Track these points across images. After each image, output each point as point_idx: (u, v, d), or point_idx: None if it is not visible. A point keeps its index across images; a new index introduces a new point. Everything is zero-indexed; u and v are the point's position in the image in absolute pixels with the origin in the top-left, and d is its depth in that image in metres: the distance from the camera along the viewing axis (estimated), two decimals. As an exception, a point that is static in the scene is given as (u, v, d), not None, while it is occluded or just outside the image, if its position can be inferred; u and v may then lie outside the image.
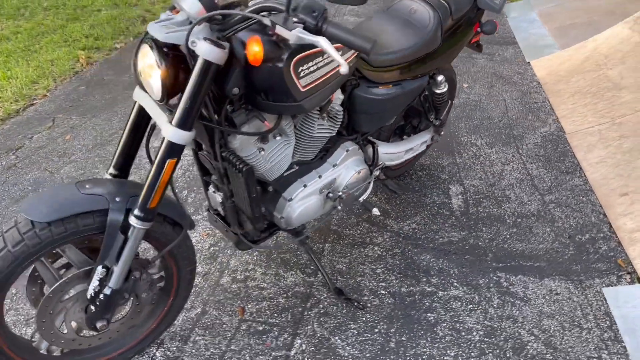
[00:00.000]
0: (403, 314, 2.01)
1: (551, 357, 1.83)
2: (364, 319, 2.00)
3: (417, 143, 2.46)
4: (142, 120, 1.66)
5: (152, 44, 1.40)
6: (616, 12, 4.55)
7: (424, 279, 2.17)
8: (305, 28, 1.27)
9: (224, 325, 1.98)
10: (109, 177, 1.68)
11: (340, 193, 2.00)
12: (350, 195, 2.07)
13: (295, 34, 1.24)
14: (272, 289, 2.13)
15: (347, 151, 2.03)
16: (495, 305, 2.05)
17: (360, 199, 2.15)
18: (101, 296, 1.55)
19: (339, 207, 2.03)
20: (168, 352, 1.88)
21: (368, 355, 1.85)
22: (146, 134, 1.68)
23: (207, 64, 1.37)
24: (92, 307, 1.57)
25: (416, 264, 2.25)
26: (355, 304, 2.04)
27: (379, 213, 2.19)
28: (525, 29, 4.96)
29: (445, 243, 2.36)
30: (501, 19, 5.37)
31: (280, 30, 1.25)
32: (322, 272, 2.15)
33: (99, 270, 1.53)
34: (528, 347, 1.87)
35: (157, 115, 1.51)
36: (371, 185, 2.16)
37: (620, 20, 4.17)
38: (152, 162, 1.71)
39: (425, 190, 2.71)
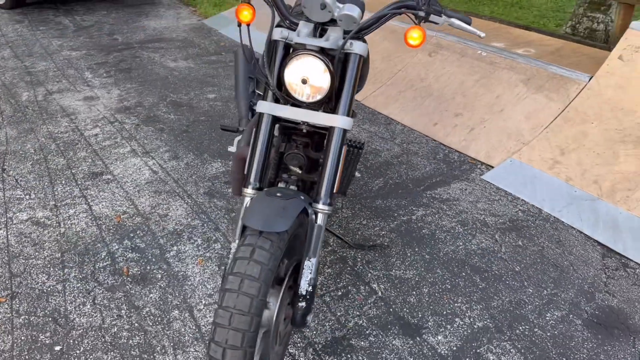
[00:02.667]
0: (411, 238, 2.61)
1: (502, 220, 2.76)
2: (394, 252, 2.51)
3: None
4: (272, 132, 1.77)
5: (314, 54, 1.61)
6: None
7: (395, 214, 2.80)
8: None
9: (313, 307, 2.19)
10: (253, 192, 1.73)
11: None
12: None
13: (443, 19, 1.71)
14: (312, 267, 2.40)
15: None
16: (447, 209, 2.85)
17: None
18: (310, 288, 1.67)
19: None
20: (296, 339, 2.01)
21: (423, 269, 2.41)
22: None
23: (360, 59, 1.69)
24: (304, 303, 1.67)
25: (379, 208, 2.84)
26: (379, 247, 2.53)
27: (358, 175, 2.68)
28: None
29: (378, 189, 3.02)
30: (213, 34, 6.03)
31: (433, 17, 1.70)
32: (343, 238, 2.53)
33: (311, 263, 1.65)
34: (487, 220, 2.76)
35: (311, 116, 1.70)
36: None
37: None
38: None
39: (326, 163, 3.26)
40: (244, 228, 1.69)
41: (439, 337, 2.05)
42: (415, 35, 1.67)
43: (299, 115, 1.71)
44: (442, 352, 1.98)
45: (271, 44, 1.75)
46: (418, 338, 2.04)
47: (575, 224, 2.72)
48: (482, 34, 1.76)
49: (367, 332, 2.06)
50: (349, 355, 1.96)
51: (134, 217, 2.75)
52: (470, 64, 3.95)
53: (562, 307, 2.20)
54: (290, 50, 1.74)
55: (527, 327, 2.10)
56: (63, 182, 3.06)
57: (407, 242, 2.58)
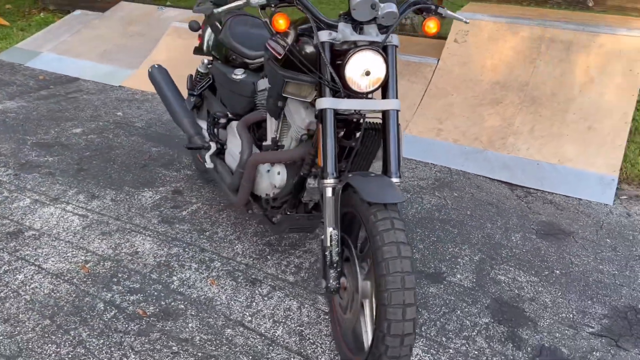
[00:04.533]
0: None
1: (431, 181, 3.29)
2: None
3: None
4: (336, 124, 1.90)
5: (373, 48, 1.84)
6: (142, 33, 5.60)
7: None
8: None
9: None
10: (333, 181, 1.86)
11: None
12: None
13: (444, 11, 2.07)
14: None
15: None
16: (385, 183, 3.26)
17: None
18: None
19: None
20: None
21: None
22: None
23: (396, 49, 1.97)
24: None
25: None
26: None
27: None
28: (65, 64, 5.28)
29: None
30: (20, 69, 5.38)
31: (443, 11, 2.04)
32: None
33: None
34: (421, 184, 3.25)
35: (370, 104, 1.91)
36: None
37: (140, 37, 5.33)
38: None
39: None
40: (344, 214, 1.84)
41: (458, 276, 2.44)
42: (432, 25, 2.00)
43: (359, 105, 1.90)
44: (468, 285, 2.38)
45: (318, 47, 1.88)
46: (444, 282, 2.41)
47: (479, 172, 3.40)
48: (468, 20, 2.20)
49: (404, 290, 2.34)
50: (407, 312, 2.22)
51: (102, 263, 2.51)
52: (331, 62, 4.40)
53: (517, 230, 2.81)
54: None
55: (507, 250, 2.64)
56: (-23, 250, 2.58)
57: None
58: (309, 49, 1.98)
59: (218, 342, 2.06)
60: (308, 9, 1.90)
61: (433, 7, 2.02)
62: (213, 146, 2.63)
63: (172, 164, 3.44)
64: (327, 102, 1.86)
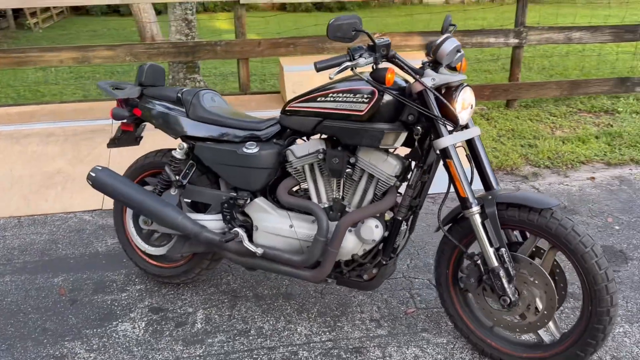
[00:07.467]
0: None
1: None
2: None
3: None
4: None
5: (468, 84, 2.09)
6: None
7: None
8: None
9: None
10: (478, 208, 2.02)
11: None
12: None
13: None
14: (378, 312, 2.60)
15: None
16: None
17: None
18: None
19: None
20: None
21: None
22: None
23: None
24: None
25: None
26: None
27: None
28: None
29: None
30: None
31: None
32: None
33: None
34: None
35: (469, 133, 2.12)
36: None
37: None
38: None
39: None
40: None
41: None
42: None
43: (467, 135, 2.11)
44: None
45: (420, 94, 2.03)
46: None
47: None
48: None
49: (468, 298, 2.59)
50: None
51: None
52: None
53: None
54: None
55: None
56: None
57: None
58: (387, 97, 2.08)
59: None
60: (404, 62, 2.06)
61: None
62: (242, 232, 2.35)
63: (107, 286, 2.78)
64: (449, 140, 2.02)
